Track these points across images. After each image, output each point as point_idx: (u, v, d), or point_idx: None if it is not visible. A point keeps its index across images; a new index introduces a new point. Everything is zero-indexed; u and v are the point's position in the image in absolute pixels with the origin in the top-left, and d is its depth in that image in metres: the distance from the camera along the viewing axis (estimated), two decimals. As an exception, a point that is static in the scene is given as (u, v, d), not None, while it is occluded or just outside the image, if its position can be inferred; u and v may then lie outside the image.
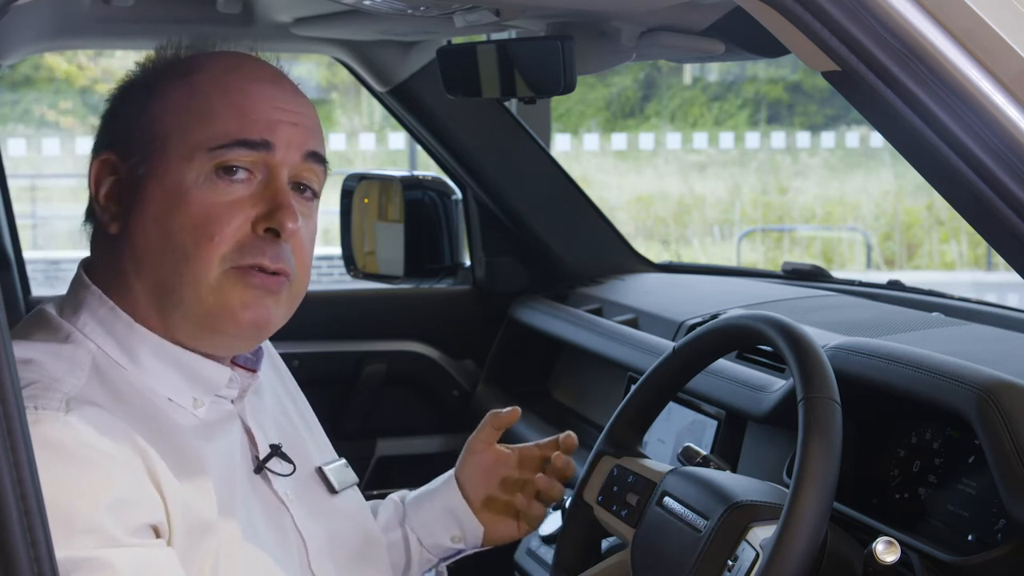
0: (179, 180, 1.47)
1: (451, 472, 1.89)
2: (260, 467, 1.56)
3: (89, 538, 1.31)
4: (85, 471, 1.34)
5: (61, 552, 1.27)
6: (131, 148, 1.51)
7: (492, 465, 1.87)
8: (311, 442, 1.69)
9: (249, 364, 1.60)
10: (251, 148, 1.48)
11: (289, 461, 1.59)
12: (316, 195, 1.57)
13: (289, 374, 1.79)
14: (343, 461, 1.73)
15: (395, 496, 1.91)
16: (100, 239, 1.54)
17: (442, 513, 1.85)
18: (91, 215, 1.56)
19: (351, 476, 1.72)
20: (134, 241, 1.49)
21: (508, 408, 1.89)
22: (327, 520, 1.62)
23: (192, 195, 1.47)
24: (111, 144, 1.54)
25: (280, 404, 1.69)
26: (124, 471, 1.37)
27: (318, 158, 1.55)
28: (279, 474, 1.58)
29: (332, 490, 1.66)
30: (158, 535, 1.39)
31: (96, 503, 1.33)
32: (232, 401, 1.57)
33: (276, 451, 1.58)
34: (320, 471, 1.66)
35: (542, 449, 1.89)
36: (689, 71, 20.93)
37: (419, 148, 3.13)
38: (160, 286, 1.48)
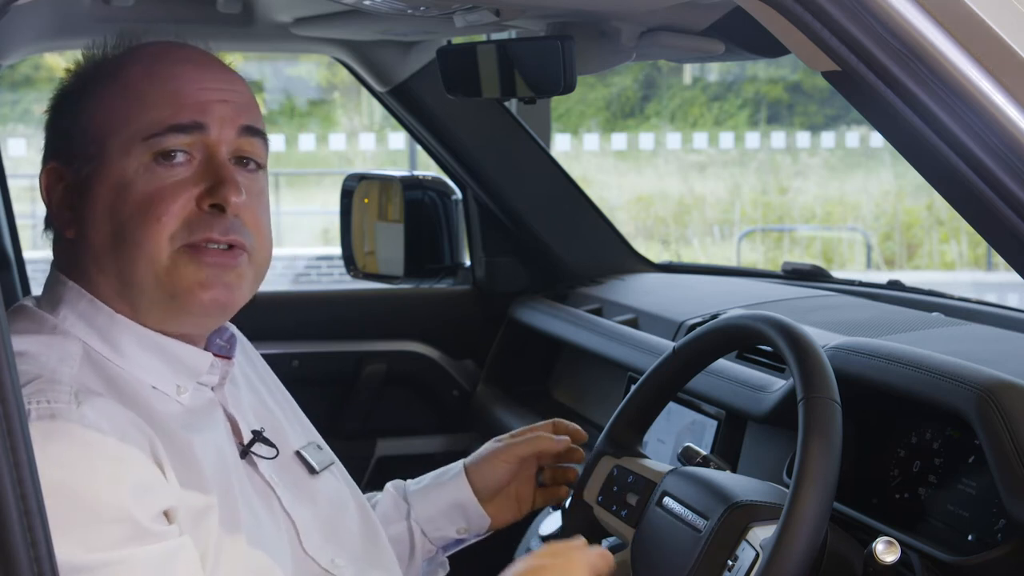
0: (121, 173, 1.49)
1: (460, 467, 1.90)
2: (245, 451, 1.58)
3: (118, 528, 1.33)
4: (106, 461, 1.36)
5: (89, 554, 1.29)
6: (73, 154, 1.53)
7: (512, 474, 1.90)
8: (288, 426, 1.71)
9: (223, 352, 1.62)
10: (184, 132, 1.50)
11: (272, 445, 1.61)
12: (260, 166, 1.58)
13: (260, 358, 1.81)
14: (319, 441, 1.74)
15: (391, 487, 1.92)
16: (61, 245, 1.57)
17: (449, 507, 1.87)
18: (50, 223, 1.58)
19: (329, 456, 1.74)
20: (90, 240, 1.51)
21: (560, 439, 1.90)
22: (311, 501, 1.64)
23: (135, 184, 1.48)
24: (55, 154, 1.56)
25: (255, 391, 1.71)
26: (140, 457, 1.39)
27: (254, 131, 1.56)
28: (264, 457, 1.59)
29: (312, 471, 1.68)
30: (171, 520, 1.41)
31: (121, 491, 1.35)
32: (212, 389, 1.59)
33: (259, 436, 1.60)
34: (299, 454, 1.68)
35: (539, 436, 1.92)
36: (689, 71, 20.93)
37: (419, 148, 3.13)
38: (121, 277, 1.50)
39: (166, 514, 1.40)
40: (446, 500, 1.87)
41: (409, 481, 1.93)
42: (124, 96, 1.51)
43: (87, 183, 1.51)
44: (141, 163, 1.49)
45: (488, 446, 1.92)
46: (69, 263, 1.55)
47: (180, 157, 1.50)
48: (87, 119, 1.53)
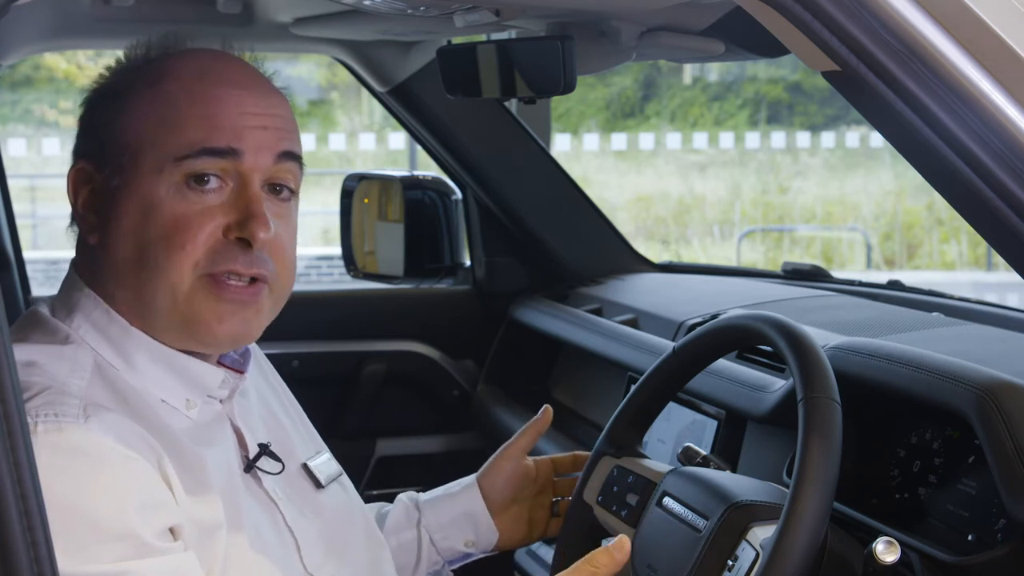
0: (151, 192, 1.47)
1: (472, 477, 1.90)
2: (250, 466, 1.56)
3: (120, 544, 1.33)
4: (112, 476, 1.35)
5: (91, 565, 1.29)
6: (104, 158, 1.51)
7: (521, 477, 1.89)
8: (296, 438, 1.70)
9: (236, 365, 1.60)
10: (218, 156, 1.47)
11: (277, 459, 1.60)
12: (293, 193, 1.55)
13: (273, 370, 1.80)
14: (327, 455, 1.73)
15: (404, 498, 1.91)
16: (83, 247, 1.55)
17: (460, 517, 1.87)
18: (75, 220, 1.56)
19: (335, 468, 1.72)
20: (112, 252, 1.49)
21: (540, 413, 1.91)
22: (315, 516, 1.63)
23: (164, 206, 1.46)
24: (85, 153, 1.54)
25: (265, 402, 1.70)
26: (146, 474, 1.38)
27: (291, 156, 1.53)
28: (269, 472, 1.58)
29: (318, 485, 1.66)
30: (176, 537, 1.40)
31: (125, 507, 1.34)
32: (221, 402, 1.57)
33: (265, 450, 1.58)
34: (305, 467, 1.67)
35: (556, 464, 1.93)
36: (689, 71, 20.93)
37: (419, 148, 3.13)
38: (139, 295, 1.48)
39: (172, 531, 1.39)
40: (456, 510, 1.87)
41: (422, 492, 1.93)
42: (162, 112, 1.48)
43: (116, 193, 1.49)
44: (172, 183, 1.46)
45: (494, 454, 1.92)
46: (89, 267, 1.53)
47: (213, 182, 1.47)
48: (122, 127, 1.50)
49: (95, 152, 1.53)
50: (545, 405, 1.93)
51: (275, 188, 1.53)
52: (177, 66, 1.52)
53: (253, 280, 1.50)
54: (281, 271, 1.53)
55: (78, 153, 1.56)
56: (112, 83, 1.55)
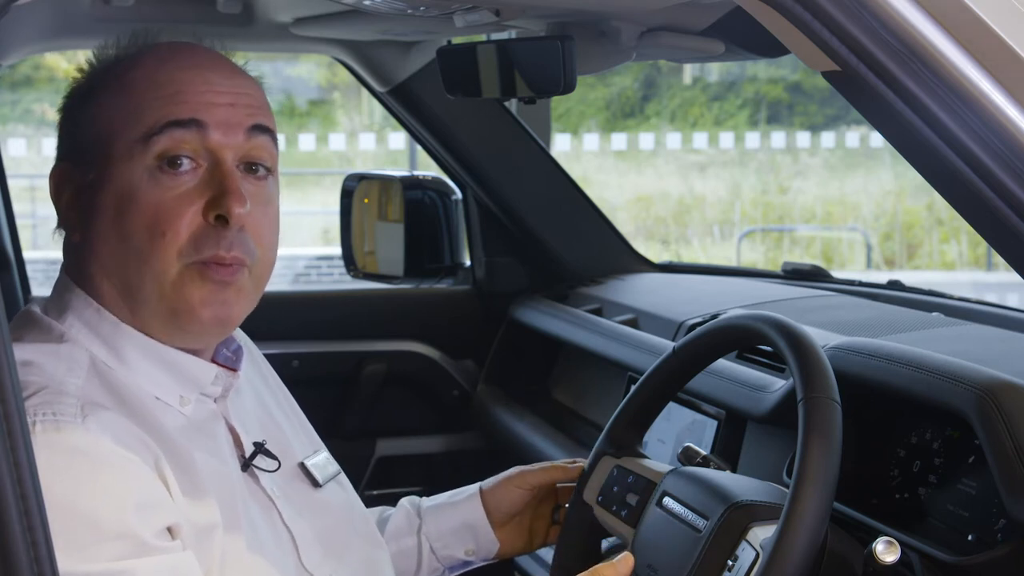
0: (126, 181, 1.47)
1: (476, 487, 1.90)
2: (247, 464, 1.56)
3: (120, 543, 1.32)
4: (110, 476, 1.35)
5: (90, 564, 1.29)
6: (79, 157, 1.52)
7: (525, 503, 1.89)
8: (293, 437, 1.69)
9: (230, 363, 1.60)
10: (183, 127, 1.46)
11: (273, 458, 1.60)
12: (270, 171, 1.54)
13: (270, 368, 1.79)
14: (325, 453, 1.73)
15: (406, 503, 1.91)
16: (69, 246, 1.55)
17: (461, 526, 1.87)
18: (59, 220, 1.57)
19: (333, 467, 1.72)
20: (95, 247, 1.49)
21: (575, 465, 1.90)
22: (313, 515, 1.63)
23: (140, 194, 1.46)
24: (64, 154, 1.55)
25: (260, 401, 1.69)
26: (144, 473, 1.38)
27: (263, 130, 1.52)
28: (265, 470, 1.58)
29: (316, 484, 1.66)
30: (174, 537, 1.40)
31: (124, 507, 1.34)
32: (215, 400, 1.57)
33: (261, 448, 1.58)
34: (303, 466, 1.67)
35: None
36: (689, 71, 20.94)
37: (419, 148, 3.13)
38: (125, 287, 1.48)
39: (170, 530, 1.39)
40: (457, 519, 1.87)
41: (424, 498, 1.93)
42: (127, 100, 1.49)
43: (94, 188, 1.49)
44: (146, 169, 1.46)
45: (506, 472, 1.92)
46: (76, 267, 1.53)
47: (186, 164, 1.46)
48: (93, 123, 1.51)
49: (72, 151, 1.54)
50: (580, 463, 1.90)
51: (251, 167, 1.52)
52: (142, 58, 1.53)
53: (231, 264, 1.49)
54: (261, 252, 1.52)
55: (59, 155, 1.56)
56: (82, 83, 1.56)
